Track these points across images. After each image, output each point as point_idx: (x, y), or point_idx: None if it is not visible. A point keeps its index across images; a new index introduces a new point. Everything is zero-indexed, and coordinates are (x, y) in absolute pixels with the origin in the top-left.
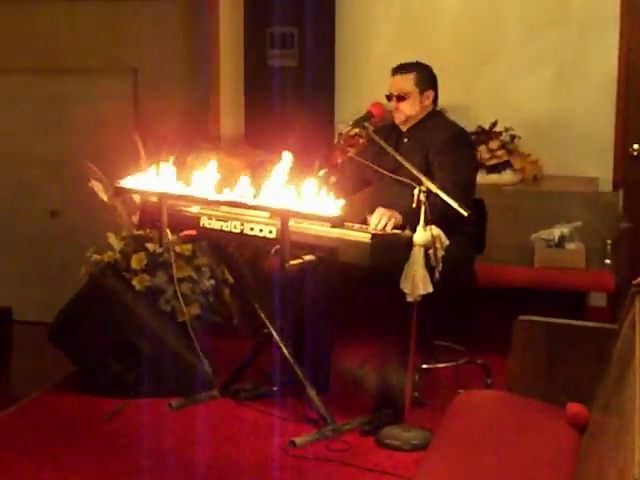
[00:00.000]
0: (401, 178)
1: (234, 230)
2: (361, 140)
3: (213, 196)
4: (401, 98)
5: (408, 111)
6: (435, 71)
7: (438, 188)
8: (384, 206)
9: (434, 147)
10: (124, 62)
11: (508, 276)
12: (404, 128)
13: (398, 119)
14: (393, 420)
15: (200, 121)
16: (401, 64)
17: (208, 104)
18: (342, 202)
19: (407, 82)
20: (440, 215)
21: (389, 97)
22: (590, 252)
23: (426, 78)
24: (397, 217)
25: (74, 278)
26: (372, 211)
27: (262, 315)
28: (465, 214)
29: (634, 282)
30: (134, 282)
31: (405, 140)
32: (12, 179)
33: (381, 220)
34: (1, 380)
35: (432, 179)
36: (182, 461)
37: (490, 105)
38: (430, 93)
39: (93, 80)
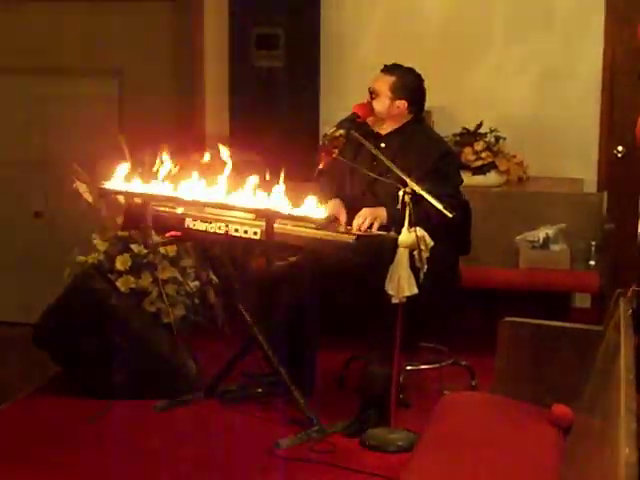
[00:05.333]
0: (387, 180)
1: (219, 231)
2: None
3: (198, 197)
4: (372, 95)
5: (376, 109)
6: (421, 72)
7: (423, 189)
8: (357, 209)
9: (421, 168)
10: (109, 63)
11: (493, 277)
12: (382, 132)
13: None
14: (378, 421)
15: (185, 122)
16: (392, 64)
17: (193, 105)
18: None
19: (384, 83)
20: (430, 227)
21: (369, 90)
22: (574, 253)
23: (404, 87)
24: (382, 215)
25: (58, 279)
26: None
27: (247, 316)
28: (450, 215)
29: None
30: (119, 283)
31: (382, 145)
32: None
33: (365, 220)
34: None
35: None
36: (167, 463)
37: (475, 107)
38: (402, 103)
39: (78, 81)
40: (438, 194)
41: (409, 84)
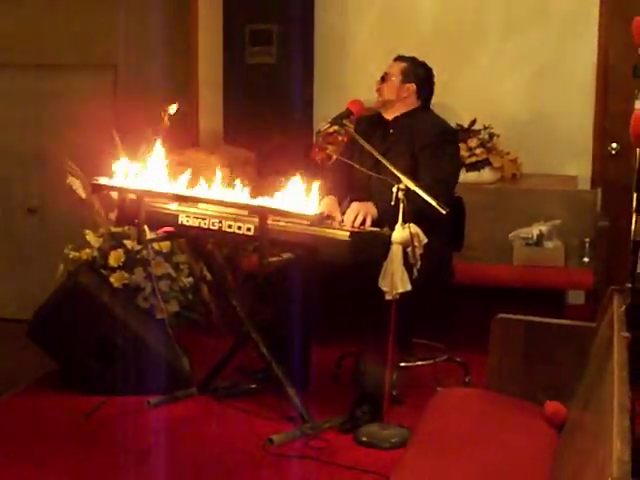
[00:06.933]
0: (382, 177)
1: (212, 227)
2: (340, 137)
3: (191, 193)
4: (383, 79)
5: (385, 92)
6: None
7: (418, 186)
8: (364, 193)
9: (420, 142)
10: (103, 59)
11: (487, 274)
12: (389, 117)
13: (378, 101)
14: (371, 418)
15: (179, 118)
16: (407, 56)
17: (187, 101)
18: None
19: (395, 68)
20: (418, 212)
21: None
22: (568, 250)
23: (414, 72)
24: (372, 211)
25: (52, 275)
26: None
27: (240, 312)
28: (443, 212)
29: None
30: (112, 279)
31: (391, 131)
32: None
33: (357, 216)
34: None
35: (417, 174)
36: (160, 459)
37: (469, 103)
38: (411, 86)
39: (72, 76)
40: (433, 165)
41: (419, 71)
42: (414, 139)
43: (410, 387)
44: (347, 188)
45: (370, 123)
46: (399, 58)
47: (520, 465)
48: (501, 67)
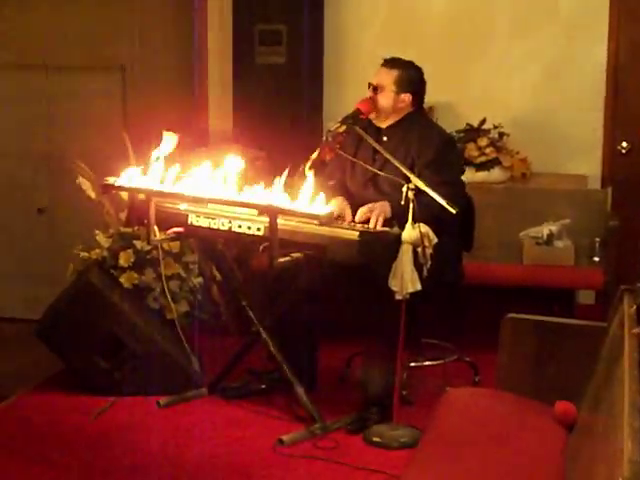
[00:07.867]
0: (382, 173)
1: (222, 227)
2: None
3: (201, 193)
4: (376, 90)
5: (380, 105)
6: (424, 69)
7: (427, 186)
8: (358, 203)
9: (423, 157)
10: (112, 59)
11: (497, 274)
12: (382, 125)
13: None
14: (381, 418)
15: (189, 118)
16: (392, 58)
17: (196, 101)
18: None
19: (388, 77)
20: (429, 215)
21: (369, 85)
22: (579, 250)
23: (409, 81)
24: (387, 211)
25: (61, 275)
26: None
27: (250, 313)
28: (453, 211)
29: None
30: (122, 279)
31: (384, 139)
32: (0, 176)
33: (374, 211)
34: None
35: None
36: (170, 459)
37: (479, 103)
38: (407, 97)
39: (81, 77)
40: (441, 181)
41: (413, 78)
42: (412, 149)
43: (420, 387)
44: (342, 184)
45: (361, 127)
46: (388, 64)
47: (530, 465)
48: (511, 66)
